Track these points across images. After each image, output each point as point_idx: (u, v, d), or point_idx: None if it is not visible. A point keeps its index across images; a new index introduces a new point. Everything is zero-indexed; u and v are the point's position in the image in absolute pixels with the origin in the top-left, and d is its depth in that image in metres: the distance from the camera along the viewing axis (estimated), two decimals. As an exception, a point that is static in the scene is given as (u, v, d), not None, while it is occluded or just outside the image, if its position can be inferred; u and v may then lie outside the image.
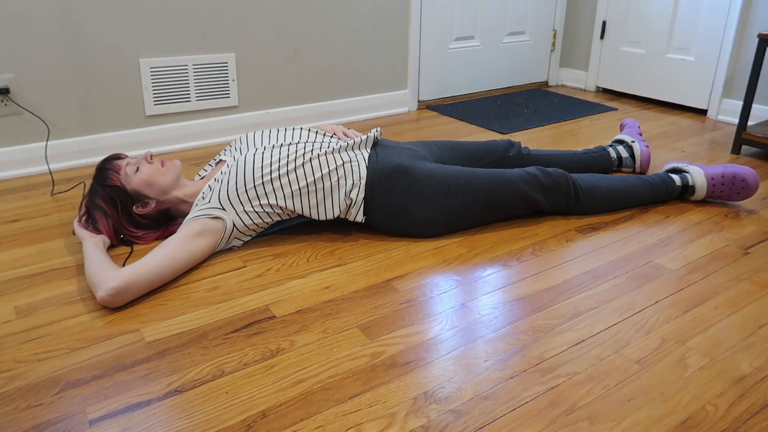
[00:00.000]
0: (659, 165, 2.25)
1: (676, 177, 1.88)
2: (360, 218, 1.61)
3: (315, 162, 1.54)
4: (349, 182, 1.57)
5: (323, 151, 1.55)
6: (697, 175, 1.87)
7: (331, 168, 1.55)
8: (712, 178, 1.85)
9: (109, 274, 1.31)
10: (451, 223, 1.65)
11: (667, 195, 1.88)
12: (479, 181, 1.64)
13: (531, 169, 1.70)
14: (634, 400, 1.07)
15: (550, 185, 1.70)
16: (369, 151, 1.64)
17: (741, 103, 2.82)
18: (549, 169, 1.71)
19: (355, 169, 1.58)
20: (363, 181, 1.57)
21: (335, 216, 1.59)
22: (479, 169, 1.68)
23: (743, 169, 1.82)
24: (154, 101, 2.29)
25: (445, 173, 1.62)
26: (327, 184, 1.55)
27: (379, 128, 1.71)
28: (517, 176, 1.67)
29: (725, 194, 1.85)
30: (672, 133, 2.70)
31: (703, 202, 1.92)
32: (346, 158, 1.58)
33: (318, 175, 1.54)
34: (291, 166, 1.52)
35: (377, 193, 1.58)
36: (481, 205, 1.65)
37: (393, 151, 1.65)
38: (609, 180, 1.82)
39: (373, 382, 1.10)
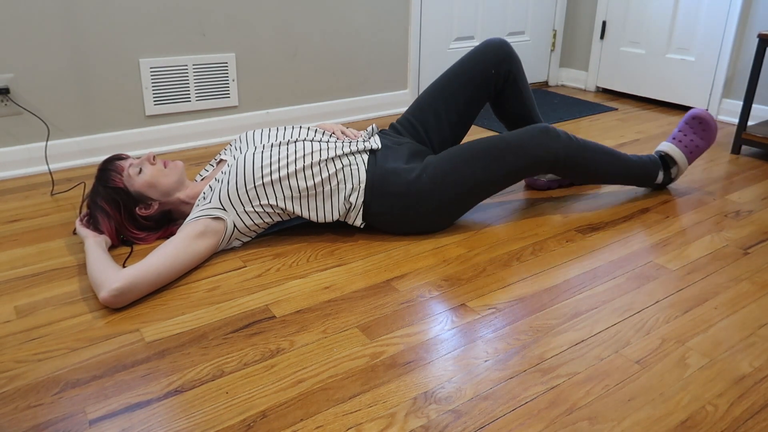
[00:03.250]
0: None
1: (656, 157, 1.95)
2: (359, 223, 1.61)
3: (315, 168, 1.53)
4: (349, 186, 1.57)
5: (323, 157, 1.54)
6: (666, 146, 1.94)
7: (330, 172, 1.55)
8: (674, 138, 1.93)
9: (111, 275, 1.31)
10: (453, 212, 1.64)
11: (651, 165, 1.91)
12: (472, 168, 1.61)
13: (535, 133, 1.66)
14: (634, 400, 1.07)
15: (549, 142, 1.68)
16: (368, 153, 1.63)
17: (741, 103, 2.82)
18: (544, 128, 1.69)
19: (355, 172, 1.58)
20: (362, 185, 1.57)
21: (334, 219, 1.59)
22: (470, 149, 1.64)
23: (690, 112, 1.92)
24: (154, 101, 2.29)
25: (440, 163, 1.61)
26: (327, 188, 1.55)
27: (374, 125, 1.71)
28: (524, 152, 1.64)
29: (699, 143, 1.92)
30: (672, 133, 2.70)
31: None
32: (345, 162, 1.57)
33: (318, 179, 1.53)
34: (291, 169, 1.52)
35: (376, 196, 1.58)
36: (479, 189, 1.64)
37: (389, 152, 1.64)
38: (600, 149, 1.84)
39: (373, 382, 1.10)
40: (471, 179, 1.61)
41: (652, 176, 1.92)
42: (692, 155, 1.92)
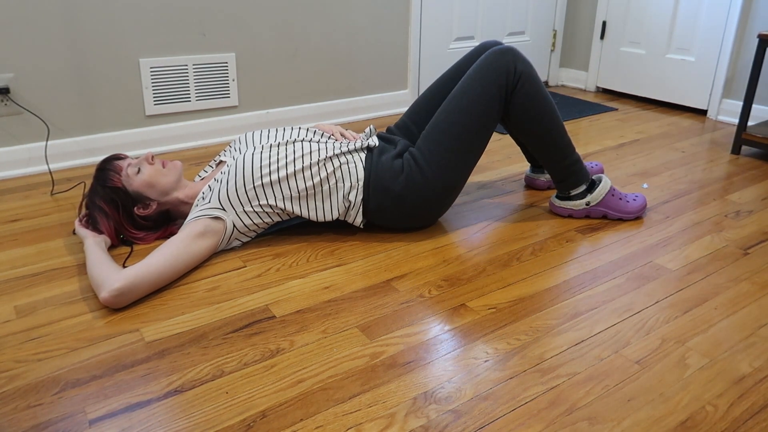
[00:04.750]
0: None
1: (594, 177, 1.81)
2: (359, 221, 1.61)
3: (314, 168, 1.53)
4: (347, 184, 1.57)
5: (321, 156, 1.54)
6: (605, 183, 1.78)
7: (329, 171, 1.55)
8: (618, 192, 1.80)
9: (112, 275, 1.31)
10: (454, 181, 1.62)
11: (585, 169, 1.76)
12: (458, 144, 1.60)
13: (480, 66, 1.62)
14: (634, 401, 1.07)
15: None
16: (366, 152, 1.63)
17: (741, 103, 2.82)
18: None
19: (353, 170, 1.57)
20: (361, 183, 1.57)
21: (334, 218, 1.59)
22: (438, 115, 1.62)
23: (642, 204, 1.78)
24: (154, 101, 2.29)
25: (422, 142, 1.61)
26: (325, 187, 1.55)
27: (372, 126, 1.71)
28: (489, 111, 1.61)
29: (624, 211, 1.78)
30: (672, 133, 2.70)
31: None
32: (343, 160, 1.57)
33: (317, 179, 1.53)
34: (290, 169, 1.52)
35: (375, 192, 1.58)
36: (472, 157, 1.62)
37: (385, 150, 1.64)
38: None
39: (373, 382, 1.10)
40: (456, 136, 1.59)
41: (580, 174, 1.74)
42: (614, 204, 1.78)
